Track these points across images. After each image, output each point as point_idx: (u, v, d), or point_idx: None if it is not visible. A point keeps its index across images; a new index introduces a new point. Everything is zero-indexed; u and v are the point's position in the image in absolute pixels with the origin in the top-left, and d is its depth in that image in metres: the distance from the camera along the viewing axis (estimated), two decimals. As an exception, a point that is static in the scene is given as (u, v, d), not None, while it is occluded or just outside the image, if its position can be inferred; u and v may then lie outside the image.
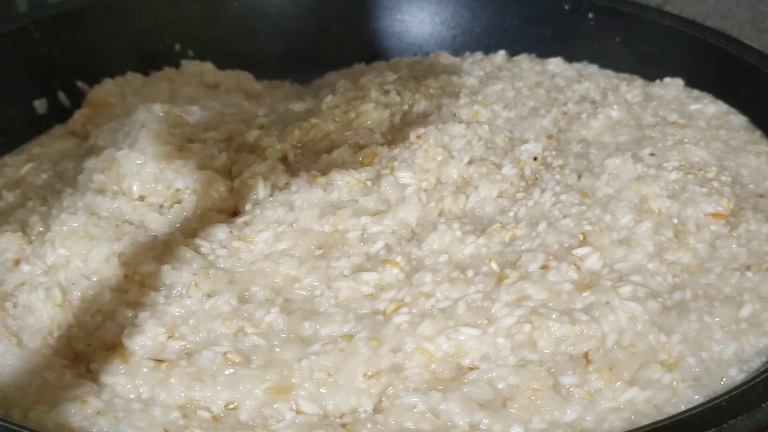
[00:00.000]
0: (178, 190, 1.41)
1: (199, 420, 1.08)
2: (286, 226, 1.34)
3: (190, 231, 1.36)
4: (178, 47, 1.90)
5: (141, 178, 1.40)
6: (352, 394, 1.09)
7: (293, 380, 1.10)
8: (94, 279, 1.28)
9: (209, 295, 1.23)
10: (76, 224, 1.34)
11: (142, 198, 1.41)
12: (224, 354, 1.13)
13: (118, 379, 1.14)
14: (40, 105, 1.74)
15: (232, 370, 1.11)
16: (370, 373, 1.09)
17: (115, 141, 1.51)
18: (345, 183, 1.39)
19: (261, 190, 1.42)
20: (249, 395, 1.09)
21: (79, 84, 1.78)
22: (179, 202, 1.41)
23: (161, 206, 1.41)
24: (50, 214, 1.39)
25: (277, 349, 1.14)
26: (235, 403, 1.09)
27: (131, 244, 1.31)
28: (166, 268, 1.27)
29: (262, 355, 1.14)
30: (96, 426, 1.08)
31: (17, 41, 1.69)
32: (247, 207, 1.41)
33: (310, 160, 1.51)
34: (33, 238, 1.35)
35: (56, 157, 1.62)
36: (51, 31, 1.73)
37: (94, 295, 1.25)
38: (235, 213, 1.42)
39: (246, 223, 1.36)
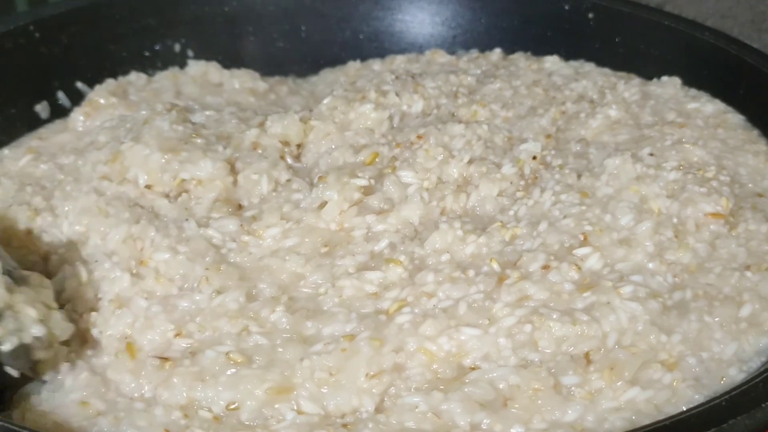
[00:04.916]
0: (184, 180, 1.41)
1: (200, 420, 1.08)
2: (293, 223, 1.35)
3: (201, 220, 1.36)
4: (178, 47, 1.90)
5: (147, 168, 1.40)
6: (353, 394, 1.09)
7: (294, 380, 1.10)
8: (115, 260, 1.28)
9: (218, 292, 1.23)
10: (87, 202, 1.34)
11: (148, 187, 1.40)
12: (227, 353, 1.13)
13: (123, 376, 1.14)
14: (40, 107, 1.74)
15: (234, 370, 1.11)
16: (372, 373, 1.10)
17: (116, 136, 1.50)
18: (348, 181, 1.39)
19: (265, 185, 1.42)
20: (250, 395, 1.09)
21: (79, 85, 1.78)
22: (185, 191, 1.41)
23: (167, 195, 1.41)
24: (53, 195, 1.40)
25: (280, 349, 1.14)
26: (237, 404, 1.09)
27: (148, 228, 1.31)
28: (181, 258, 1.27)
29: (264, 354, 1.14)
30: (96, 426, 1.08)
31: (17, 41, 1.68)
32: (253, 201, 1.42)
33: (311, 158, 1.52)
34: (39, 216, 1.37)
35: (56, 150, 1.61)
36: (51, 31, 1.73)
37: (114, 280, 1.25)
38: (239, 206, 1.43)
39: (254, 218, 1.37)
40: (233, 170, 1.45)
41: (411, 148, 1.47)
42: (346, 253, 1.30)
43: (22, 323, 1.11)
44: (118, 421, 1.09)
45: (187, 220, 1.35)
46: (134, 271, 1.27)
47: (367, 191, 1.39)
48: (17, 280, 1.15)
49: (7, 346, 1.09)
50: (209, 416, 1.09)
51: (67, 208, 1.35)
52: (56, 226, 1.35)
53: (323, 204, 1.35)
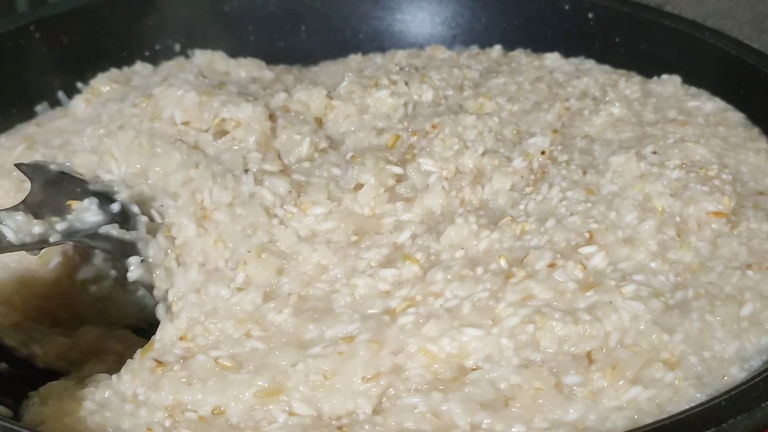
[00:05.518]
0: (224, 120, 1.39)
1: (187, 421, 1.08)
2: (335, 205, 1.34)
3: (257, 175, 1.35)
4: (178, 47, 1.90)
5: (183, 106, 1.38)
6: (349, 397, 1.08)
7: (287, 384, 1.09)
8: (180, 202, 1.28)
9: (240, 288, 1.23)
10: (127, 137, 1.32)
11: (186, 123, 1.38)
12: (216, 359, 1.13)
13: (127, 374, 1.15)
14: (41, 107, 1.74)
15: (221, 375, 1.11)
16: (368, 376, 1.08)
17: (124, 108, 1.47)
18: (385, 167, 1.39)
19: (305, 147, 1.42)
20: (236, 399, 1.08)
21: (79, 85, 1.77)
22: (225, 132, 1.40)
23: (206, 132, 1.39)
24: (69, 141, 1.40)
25: (277, 352, 1.13)
26: (222, 408, 1.09)
27: (206, 175, 1.30)
28: (236, 229, 1.27)
29: (257, 360, 1.13)
30: (84, 423, 1.10)
31: (18, 41, 1.68)
32: (291, 160, 1.42)
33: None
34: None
35: (52, 135, 1.60)
36: (52, 31, 1.73)
37: (181, 227, 1.26)
38: (279, 156, 1.43)
39: (301, 185, 1.36)
40: (272, 119, 1.45)
41: (427, 137, 1.47)
42: (372, 244, 1.29)
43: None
44: (105, 420, 1.09)
45: (246, 172, 1.34)
46: (199, 216, 1.28)
47: (399, 179, 1.39)
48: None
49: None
50: (195, 417, 1.09)
51: (109, 142, 1.32)
52: (104, 167, 1.32)
53: (359, 186, 1.35)
